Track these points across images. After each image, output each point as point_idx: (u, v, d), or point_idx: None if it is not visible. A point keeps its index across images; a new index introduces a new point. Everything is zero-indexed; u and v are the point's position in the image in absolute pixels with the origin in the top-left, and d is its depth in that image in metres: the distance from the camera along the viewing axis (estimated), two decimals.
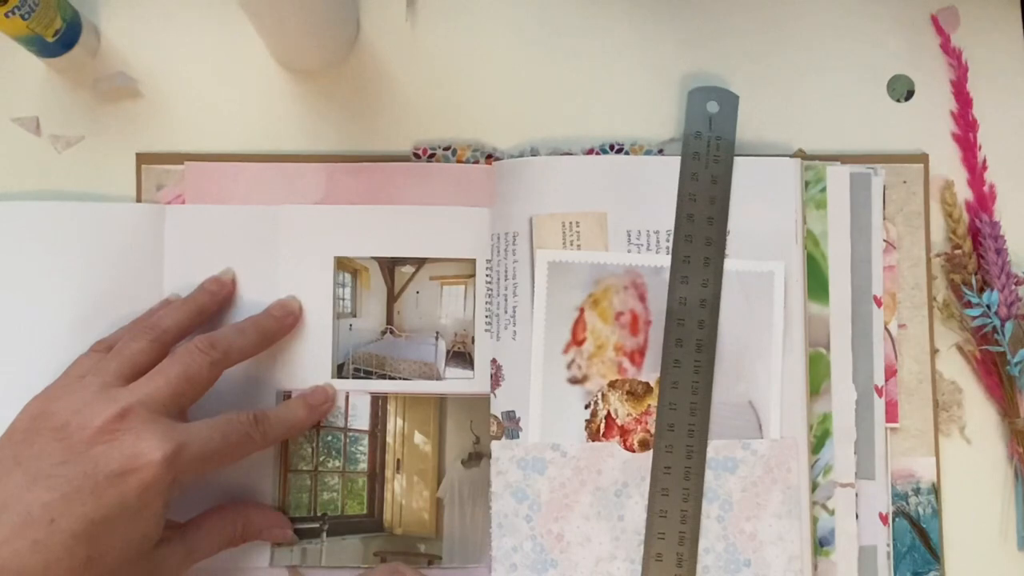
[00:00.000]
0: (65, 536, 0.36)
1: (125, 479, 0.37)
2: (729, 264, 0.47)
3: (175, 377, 0.41)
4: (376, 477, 0.47)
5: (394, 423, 0.47)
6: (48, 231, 0.47)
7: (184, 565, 0.42)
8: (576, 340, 0.47)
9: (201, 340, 0.42)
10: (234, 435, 0.41)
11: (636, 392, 0.47)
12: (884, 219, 0.49)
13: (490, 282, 0.48)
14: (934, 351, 0.49)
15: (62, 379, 0.42)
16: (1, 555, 0.35)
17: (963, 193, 0.50)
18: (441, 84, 0.50)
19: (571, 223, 0.48)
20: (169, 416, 0.40)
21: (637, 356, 0.47)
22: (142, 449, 0.38)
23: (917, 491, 0.48)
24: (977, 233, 0.49)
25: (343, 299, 0.48)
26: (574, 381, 0.47)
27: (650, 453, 0.46)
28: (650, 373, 0.47)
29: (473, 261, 0.48)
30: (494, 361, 0.47)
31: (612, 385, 0.47)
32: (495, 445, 0.47)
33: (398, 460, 0.47)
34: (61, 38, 0.47)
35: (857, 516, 0.47)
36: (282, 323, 0.47)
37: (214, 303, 0.47)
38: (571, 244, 0.48)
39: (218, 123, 0.50)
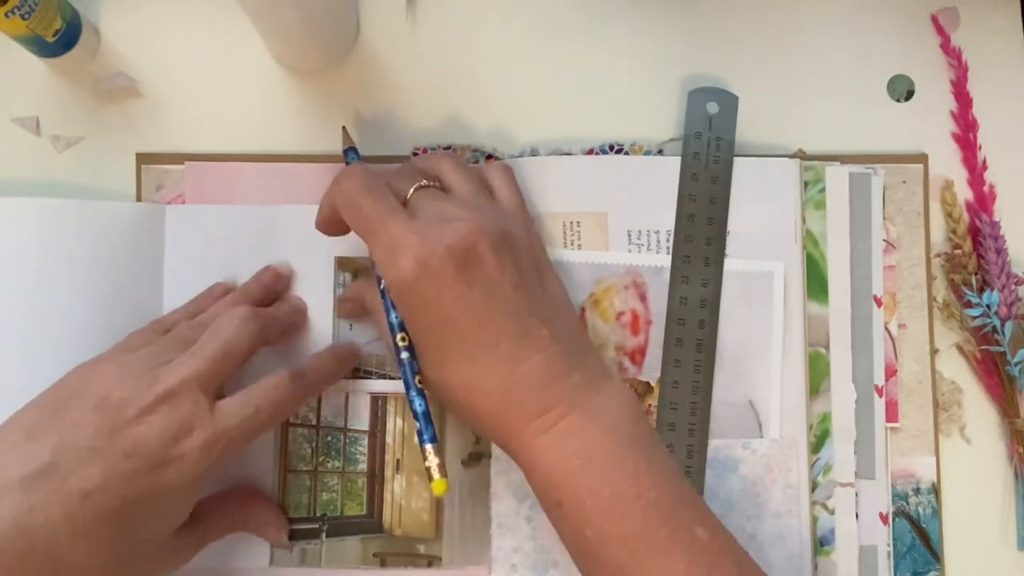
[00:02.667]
0: (98, 512, 0.36)
1: (165, 466, 0.38)
2: (729, 264, 0.47)
3: (216, 354, 0.40)
4: (376, 477, 0.47)
5: (394, 423, 0.47)
6: (48, 230, 0.46)
7: (196, 549, 0.43)
8: None
9: (242, 311, 0.42)
10: (269, 407, 0.40)
11: (637, 391, 0.47)
12: (884, 219, 0.49)
13: None
14: (934, 351, 0.49)
15: (112, 352, 0.42)
16: (31, 521, 0.35)
17: (963, 193, 0.50)
18: (441, 84, 0.51)
19: (572, 223, 0.48)
20: (211, 395, 0.40)
21: (638, 356, 0.47)
22: (183, 437, 0.38)
23: (917, 491, 0.48)
24: (977, 233, 0.49)
25: None
26: None
27: None
28: (651, 373, 0.47)
29: None
30: None
31: None
32: (496, 445, 0.47)
33: (398, 460, 0.47)
34: (61, 38, 0.47)
35: (857, 516, 0.47)
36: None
37: (270, 297, 0.46)
38: (572, 244, 0.48)
39: (218, 123, 0.50)
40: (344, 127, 0.48)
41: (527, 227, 0.44)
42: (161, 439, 0.38)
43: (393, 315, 0.42)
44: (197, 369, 0.40)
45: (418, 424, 0.41)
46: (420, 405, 0.41)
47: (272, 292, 0.47)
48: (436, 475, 0.40)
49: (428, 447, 0.40)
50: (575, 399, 0.39)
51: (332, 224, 0.43)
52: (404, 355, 0.41)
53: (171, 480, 0.38)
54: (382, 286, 0.43)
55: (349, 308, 0.47)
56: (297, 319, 0.47)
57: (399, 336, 0.42)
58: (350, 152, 0.47)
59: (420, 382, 0.41)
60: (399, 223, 0.40)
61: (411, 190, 0.42)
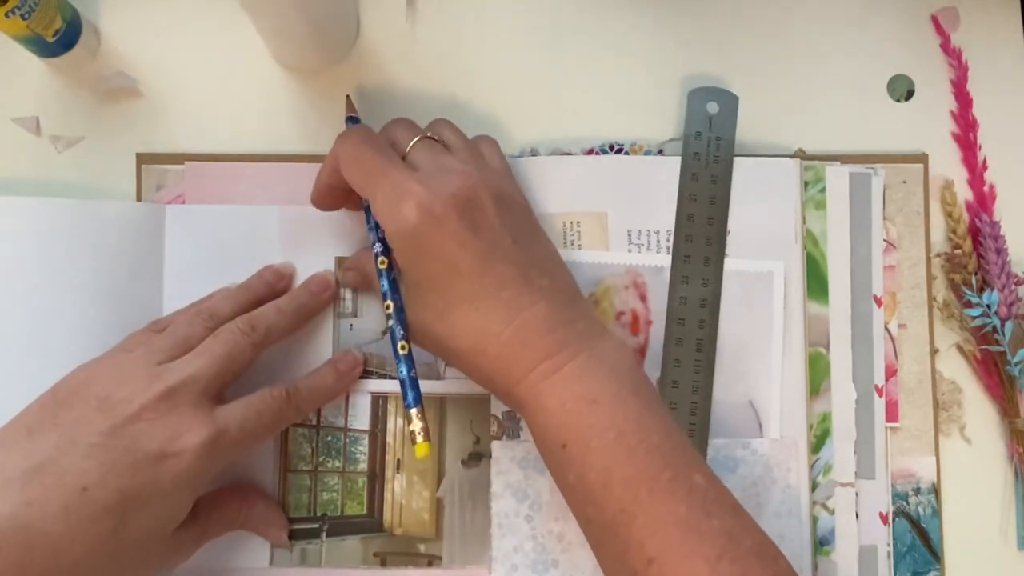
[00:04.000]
0: (96, 507, 0.36)
1: (163, 462, 0.38)
2: (729, 264, 0.47)
3: (219, 358, 0.41)
4: (376, 477, 0.47)
5: (394, 423, 0.47)
6: (48, 229, 0.46)
7: (195, 547, 0.43)
8: None
9: (242, 321, 0.43)
10: (268, 414, 0.42)
11: None
12: (884, 219, 0.49)
13: None
14: (934, 351, 0.49)
15: (112, 352, 0.42)
16: (29, 515, 0.35)
17: (963, 193, 0.50)
18: (441, 84, 0.51)
19: (572, 223, 0.48)
20: (211, 397, 0.40)
21: (638, 355, 0.47)
22: (182, 434, 0.38)
23: (917, 491, 0.48)
24: (977, 233, 0.49)
25: (344, 299, 0.48)
26: None
27: None
28: (651, 372, 0.47)
29: None
30: None
31: None
32: (495, 445, 0.47)
33: (398, 460, 0.47)
34: (61, 38, 0.47)
35: (857, 516, 0.47)
36: (319, 298, 0.47)
37: (271, 294, 0.46)
38: (572, 244, 0.48)
39: (218, 123, 0.50)
40: (348, 95, 0.48)
41: (519, 190, 0.45)
42: (161, 435, 0.38)
43: (384, 281, 0.42)
44: (199, 370, 0.40)
45: (402, 389, 0.41)
46: (403, 372, 0.41)
47: (274, 290, 0.47)
48: (419, 438, 0.40)
49: (413, 411, 0.40)
50: (579, 344, 0.40)
51: (330, 191, 0.44)
52: (391, 322, 0.42)
53: (169, 476, 0.38)
54: (376, 250, 0.43)
55: (352, 277, 0.47)
56: (325, 296, 0.47)
57: (385, 304, 0.42)
58: (351, 121, 0.47)
59: (403, 348, 0.41)
60: (401, 173, 0.40)
61: (411, 143, 0.43)
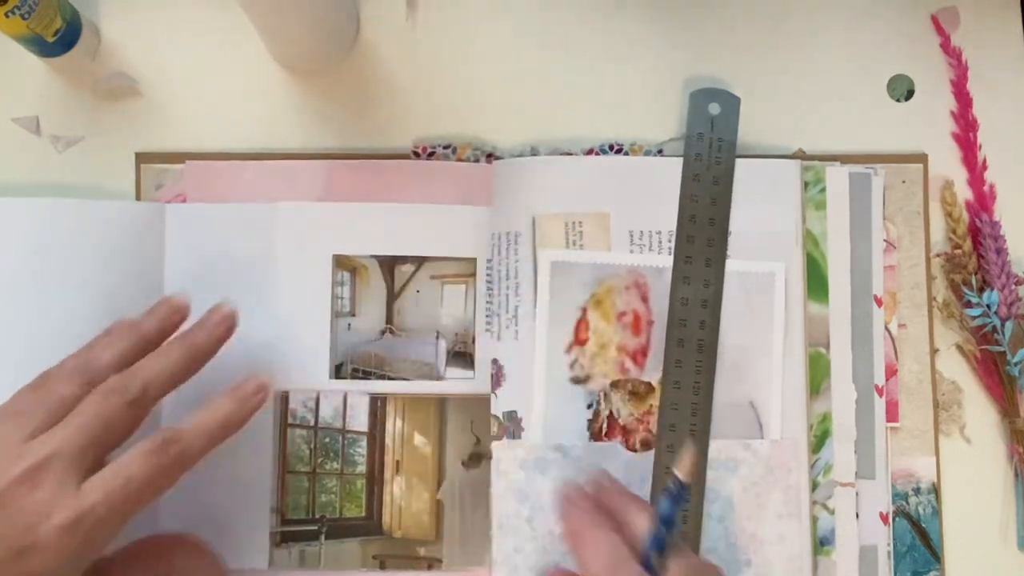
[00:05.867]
0: None
1: (25, 556, 0.34)
2: (730, 265, 0.47)
3: (88, 427, 0.37)
4: (375, 479, 0.47)
5: (393, 424, 0.47)
6: (48, 229, 0.46)
7: None
8: (579, 340, 0.47)
9: (115, 379, 0.38)
10: (139, 478, 0.36)
11: (638, 392, 0.47)
12: (884, 219, 0.49)
13: (490, 281, 0.48)
14: (934, 351, 0.49)
15: None
16: None
17: (963, 193, 0.50)
18: (441, 83, 0.51)
19: (574, 223, 0.48)
20: (81, 471, 0.36)
21: (639, 356, 0.47)
22: (40, 522, 0.35)
23: (917, 491, 0.48)
24: (977, 233, 0.50)
25: (342, 298, 0.48)
26: (576, 381, 0.47)
27: (652, 453, 0.46)
28: (652, 373, 0.47)
29: (474, 260, 0.48)
30: (495, 361, 0.47)
31: (614, 385, 0.47)
32: (496, 446, 0.47)
33: (397, 462, 0.47)
34: (61, 38, 0.47)
35: (857, 516, 0.47)
36: (213, 334, 0.41)
37: (162, 333, 0.41)
38: (574, 244, 0.48)
39: (218, 123, 0.50)
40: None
41: None
42: (21, 525, 0.35)
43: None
44: (62, 444, 0.36)
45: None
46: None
47: (169, 325, 0.42)
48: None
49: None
50: None
51: None
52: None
53: (38, 570, 0.34)
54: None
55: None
56: (220, 331, 0.42)
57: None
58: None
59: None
60: None
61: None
